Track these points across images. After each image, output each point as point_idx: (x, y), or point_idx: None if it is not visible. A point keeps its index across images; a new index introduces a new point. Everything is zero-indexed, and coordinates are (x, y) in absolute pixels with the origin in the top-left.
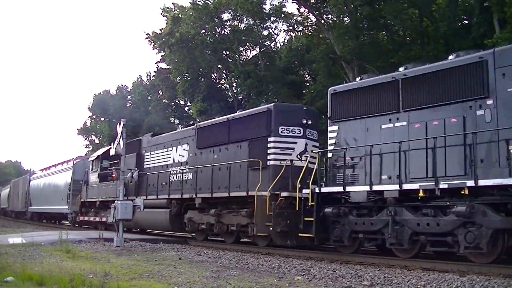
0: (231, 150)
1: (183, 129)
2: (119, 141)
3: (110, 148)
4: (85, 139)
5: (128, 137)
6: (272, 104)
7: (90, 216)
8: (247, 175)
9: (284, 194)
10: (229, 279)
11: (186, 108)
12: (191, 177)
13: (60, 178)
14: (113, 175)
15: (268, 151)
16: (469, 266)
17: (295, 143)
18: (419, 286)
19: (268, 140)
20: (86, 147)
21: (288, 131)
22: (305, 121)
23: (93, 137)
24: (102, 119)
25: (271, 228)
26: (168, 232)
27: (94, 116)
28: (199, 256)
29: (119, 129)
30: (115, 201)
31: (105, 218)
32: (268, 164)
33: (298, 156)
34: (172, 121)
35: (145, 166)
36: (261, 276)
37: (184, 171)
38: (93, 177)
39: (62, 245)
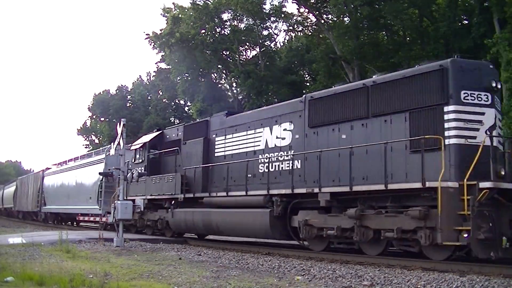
0: (372, 127)
1: (281, 103)
2: (119, 141)
3: (161, 132)
4: (85, 139)
5: (127, 137)
6: (449, 59)
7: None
8: (422, 160)
9: (485, 184)
10: (229, 279)
11: (186, 108)
12: (299, 166)
13: (86, 173)
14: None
15: (446, 126)
16: (469, 266)
17: (483, 114)
18: (419, 286)
19: (445, 110)
20: (86, 147)
21: (473, 98)
22: (494, 84)
23: (93, 137)
24: (102, 119)
25: (465, 235)
26: (266, 239)
27: (94, 116)
28: (199, 256)
29: (119, 129)
30: (115, 201)
31: (159, 218)
32: (446, 143)
33: (488, 132)
34: (172, 121)
35: (216, 154)
36: (261, 276)
37: (288, 158)
38: (138, 170)
39: (62, 245)
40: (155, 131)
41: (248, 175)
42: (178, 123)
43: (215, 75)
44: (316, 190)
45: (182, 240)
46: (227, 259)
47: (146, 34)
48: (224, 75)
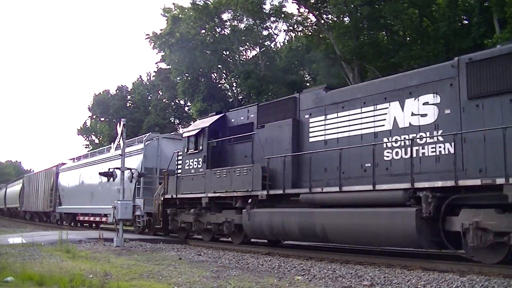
0: None
1: (416, 70)
2: (119, 141)
3: (223, 115)
4: (85, 139)
5: (128, 137)
6: None
7: (179, 219)
8: None
9: None
10: (229, 279)
11: (186, 108)
12: (453, 150)
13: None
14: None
15: None
16: (469, 266)
17: None
18: (419, 286)
19: None
20: (86, 147)
21: None
22: None
23: (93, 137)
24: (102, 119)
25: None
26: (407, 249)
27: (94, 116)
28: (199, 256)
29: (119, 129)
30: (116, 201)
31: (224, 221)
32: None
33: None
34: (172, 121)
35: (311, 139)
36: (261, 276)
37: (433, 140)
38: (193, 162)
39: (62, 245)
40: (215, 114)
41: (366, 165)
42: (178, 123)
43: (215, 75)
44: (500, 181)
45: (182, 240)
46: (227, 259)
47: (146, 34)
48: (224, 75)
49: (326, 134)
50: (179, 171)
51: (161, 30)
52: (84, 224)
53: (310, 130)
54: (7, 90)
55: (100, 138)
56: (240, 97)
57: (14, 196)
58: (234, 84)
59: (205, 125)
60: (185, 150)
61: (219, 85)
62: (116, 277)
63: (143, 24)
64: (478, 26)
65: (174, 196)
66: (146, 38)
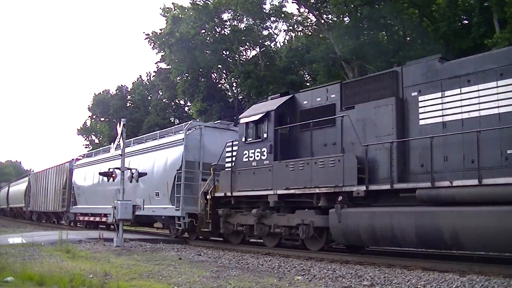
0: None
1: None
2: (119, 141)
3: (291, 97)
4: (85, 139)
5: (128, 137)
6: None
7: (234, 221)
8: None
9: None
10: (229, 279)
11: (186, 108)
12: None
13: (148, 161)
14: (113, 175)
15: None
16: (470, 266)
17: None
18: (419, 286)
19: None
20: (86, 147)
21: None
22: None
23: (93, 137)
24: (102, 119)
25: None
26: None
27: (94, 116)
28: (199, 256)
29: (119, 129)
30: (116, 201)
31: (300, 224)
32: None
33: None
34: (172, 121)
35: (422, 122)
36: (261, 276)
37: None
38: (254, 153)
39: (62, 245)
40: (279, 96)
41: (509, 151)
42: (178, 123)
43: (215, 75)
44: None
45: (182, 240)
46: (227, 259)
47: (146, 34)
48: (224, 75)
49: (445, 115)
50: (232, 163)
51: (161, 30)
52: (100, 226)
53: (421, 110)
54: (7, 90)
55: (100, 138)
56: (240, 97)
57: (18, 195)
58: (234, 84)
59: (270, 108)
60: (243, 139)
61: (219, 85)
62: (116, 277)
63: (143, 24)
64: (478, 26)
65: (228, 194)
66: (146, 38)
